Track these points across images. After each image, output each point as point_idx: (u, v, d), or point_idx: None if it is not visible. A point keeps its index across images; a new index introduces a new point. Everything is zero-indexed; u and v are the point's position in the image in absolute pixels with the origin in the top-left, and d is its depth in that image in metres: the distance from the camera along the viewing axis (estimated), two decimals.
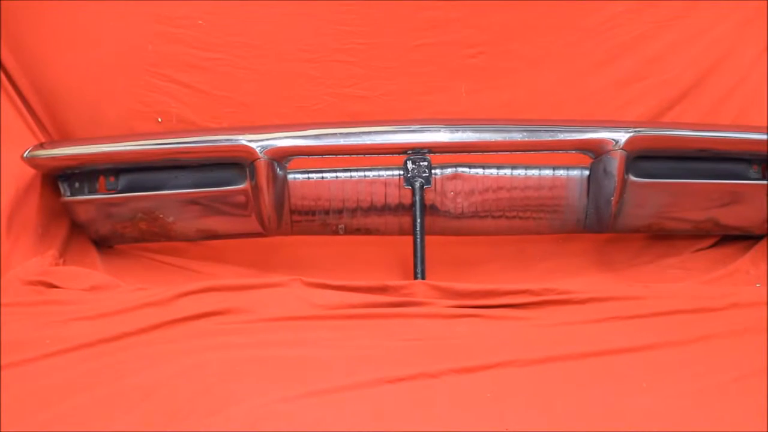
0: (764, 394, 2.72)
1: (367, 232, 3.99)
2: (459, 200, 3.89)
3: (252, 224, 3.90)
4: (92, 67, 4.03)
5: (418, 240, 3.80)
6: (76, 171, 3.85)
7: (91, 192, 3.86)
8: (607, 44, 4.12)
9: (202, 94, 4.09)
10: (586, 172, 3.88)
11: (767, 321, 3.21)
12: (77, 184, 3.87)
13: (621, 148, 3.75)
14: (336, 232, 3.97)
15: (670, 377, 2.83)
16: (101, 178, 3.86)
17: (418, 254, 3.79)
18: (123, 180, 3.86)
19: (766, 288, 3.59)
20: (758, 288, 3.63)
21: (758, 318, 3.26)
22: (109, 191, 3.86)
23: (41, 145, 3.87)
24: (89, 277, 3.66)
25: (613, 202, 3.83)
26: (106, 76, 4.05)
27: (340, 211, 3.91)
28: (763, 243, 4.05)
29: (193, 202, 3.85)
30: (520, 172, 3.88)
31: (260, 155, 3.71)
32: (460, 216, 3.92)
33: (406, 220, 3.91)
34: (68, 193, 3.88)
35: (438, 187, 3.86)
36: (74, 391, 2.69)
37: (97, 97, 4.06)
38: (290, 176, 3.83)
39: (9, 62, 3.98)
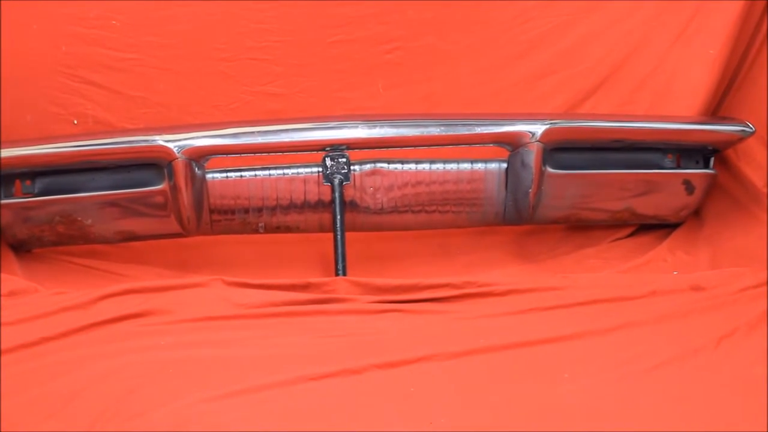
0: (684, 379, 2.77)
1: (288, 229, 3.98)
2: (378, 196, 3.89)
3: (171, 225, 3.87)
4: (6, 70, 3.97)
5: (339, 236, 3.81)
6: None
7: (7, 196, 3.80)
8: (521, 38, 4.14)
9: (117, 95, 4.05)
10: (504, 165, 3.90)
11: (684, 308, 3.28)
12: None
13: (537, 141, 3.78)
14: (256, 231, 3.96)
15: (592, 366, 2.87)
16: (17, 182, 3.81)
17: (339, 251, 3.80)
18: (40, 183, 3.82)
19: (683, 275, 3.64)
20: (676, 275, 3.68)
21: (676, 305, 3.31)
22: (25, 195, 3.81)
23: None
24: (7, 282, 3.60)
25: (531, 194, 3.86)
26: (20, 78, 4.00)
27: (259, 210, 3.89)
28: (679, 231, 4.11)
29: (111, 204, 3.82)
30: (439, 166, 3.90)
31: (178, 155, 3.69)
32: (380, 211, 3.93)
33: (326, 216, 3.91)
34: None
35: (357, 183, 3.86)
36: None
37: (12, 101, 3.99)
38: (209, 176, 3.82)
39: None
